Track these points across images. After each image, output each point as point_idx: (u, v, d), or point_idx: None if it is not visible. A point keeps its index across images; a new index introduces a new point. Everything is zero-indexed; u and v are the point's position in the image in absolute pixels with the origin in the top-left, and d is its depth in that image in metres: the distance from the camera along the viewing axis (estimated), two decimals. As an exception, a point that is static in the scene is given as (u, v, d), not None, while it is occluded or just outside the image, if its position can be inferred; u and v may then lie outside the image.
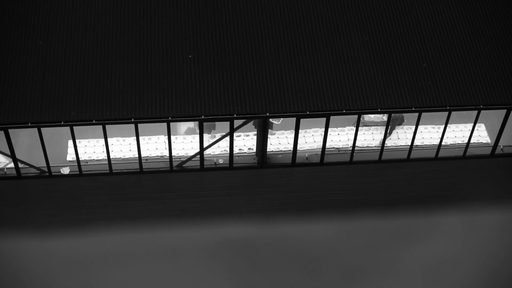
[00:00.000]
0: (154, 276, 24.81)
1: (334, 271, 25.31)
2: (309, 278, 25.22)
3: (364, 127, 25.46)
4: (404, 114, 25.21)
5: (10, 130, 22.12)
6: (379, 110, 22.92)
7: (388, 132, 24.88)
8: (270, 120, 24.47)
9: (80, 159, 23.44)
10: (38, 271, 24.49)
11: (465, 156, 24.80)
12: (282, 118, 24.49)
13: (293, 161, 24.20)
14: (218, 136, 24.51)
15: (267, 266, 25.18)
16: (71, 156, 24.18)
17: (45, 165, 23.31)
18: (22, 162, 23.35)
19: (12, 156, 22.84)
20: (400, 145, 25.13)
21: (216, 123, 24.65)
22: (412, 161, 24.69)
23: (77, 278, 24.58)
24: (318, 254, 25.32)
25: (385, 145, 24.31)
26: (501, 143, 24.84)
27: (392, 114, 24.39)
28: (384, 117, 25.39)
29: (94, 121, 22.07)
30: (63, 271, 24.59)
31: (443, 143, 24.69)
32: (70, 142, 24.20)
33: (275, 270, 25.19)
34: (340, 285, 25.26)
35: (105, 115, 22.14)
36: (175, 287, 24.76)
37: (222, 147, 24.63)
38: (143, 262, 24.78)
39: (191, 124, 25.16)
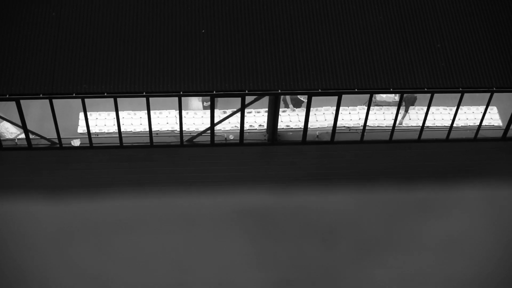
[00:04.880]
0: (168, 242, 25.01)
1: (351, 242, 25.47)
2: (326, 248, 25.35)
3: (376, 107, 25.38)
4: (416, 95, 25.12)
5: (21, 101, 22.15)
6: (391, 90, 22.83)
7: (405, 111, 24.92)
8: (298, 96, 24.48)
9: (90, 132, 23.48)
10: (47, 235, 24.76)
11: (476, 139, 24.73)
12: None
13: (304, 138, 24.18)
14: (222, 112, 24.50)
15: (284, 235, 25.34)
16: (82, 128, 24.23)
17: (56, 137, 23.37)
18: (33, 133, 23.41)
19: (23, 127, 22.90)
20: (412, 126, 25.06)
21: (219, 99, 24.61)
22: (423, 142, 24.64)
23: (90, 243, 24.86)
24: (336, 225, 25.47)
25: (396, 125, 24.27)
26: (513, 126, 24.79)
27: (405, 94, 24.31)
28: (396, 97, 25.30)
29: (105, 94, 22.07)
30: (74, 236, 24.86)
31: (454, 125, 24.61)
32: (81, 115, 24.23)
33: (292, 239, 25.36)
34: (357, 257, 25.42)
35: (117, 88, 22.13)
36: (190, 253, 24.97)
37: (232, 123, 24.61)
38: (157, 229, 24.98)
39: (199, 104, 25.16)
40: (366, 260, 25.63)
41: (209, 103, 24.45)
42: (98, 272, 24.83)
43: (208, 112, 24.60)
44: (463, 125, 25.24)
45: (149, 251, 24.99)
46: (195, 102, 25.23)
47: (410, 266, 25.68)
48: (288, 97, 25.21)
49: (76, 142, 23.81)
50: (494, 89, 23.09)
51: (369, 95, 23.17)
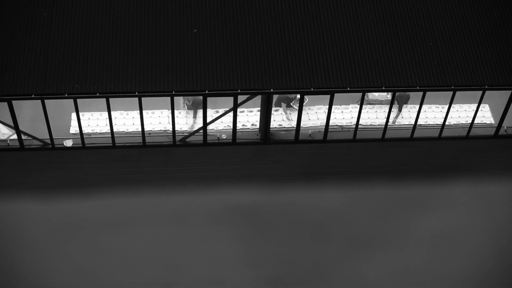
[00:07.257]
0: (160, 241, 25.02)
1: (343, 239, 25.49)
2: (317, 245, 25.37)
3: (368, 105, 25.40)
4: (409, 93, 25.15)
5: (13, 102, 22.09)
6: (383, 88, 22.86)
7: (398, 110, 24.96)
8: (292, 105, 24.58)
9: (83, 132, 23.43)
10: (40, 235, 24.73)
11: (469, 137, 24.78)
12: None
13: (296, 137, 24.18)
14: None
15: (276, 233, 25.36)
16: (74, 128, 24.17)
17: (48, 137, 23.31)
18: (25, 133, 23.35)
19: (15, 127, 22.83)
20: (404, 124, 25.08)
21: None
22: (415, 140, 24.67)
23: (83, 242, 24.84)
24: (326, 222, 25.48)
25: (388, 124, 24.30)
26: (505, 124, 24.81)
27: (397, 93, 24.34)
28: (388, 96, 25.33)
29: (97, 94, 22.03)
30: (67, 235, 24.84)
31: (446, 123, 24.65)
32: (74, 115, 24.18)
33: (282, 236, 25.37)
34: (348, 253, 25.44)
35: (109, 88, 22.09)
36: (182, 251, 24.96)
37: (225, 123, 24.60)
38: (150, 227, 24.98)
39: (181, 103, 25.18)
40: (357, 257, 25.66)
41: (190, 103, 24.52)
42: (91, 270, 24.80)
43: (191, 112, 24.67)
44: (455, 123, 25.28)
45: (141, 250, 24.98)
46: (181, 103, 25.21)
47: (402, 262, 25.72)
48: (284, 106, 25.20)
49: (68, 143, 23.76)
50: (486, 86, 23.13)
51: (361, 93, 23.19)
